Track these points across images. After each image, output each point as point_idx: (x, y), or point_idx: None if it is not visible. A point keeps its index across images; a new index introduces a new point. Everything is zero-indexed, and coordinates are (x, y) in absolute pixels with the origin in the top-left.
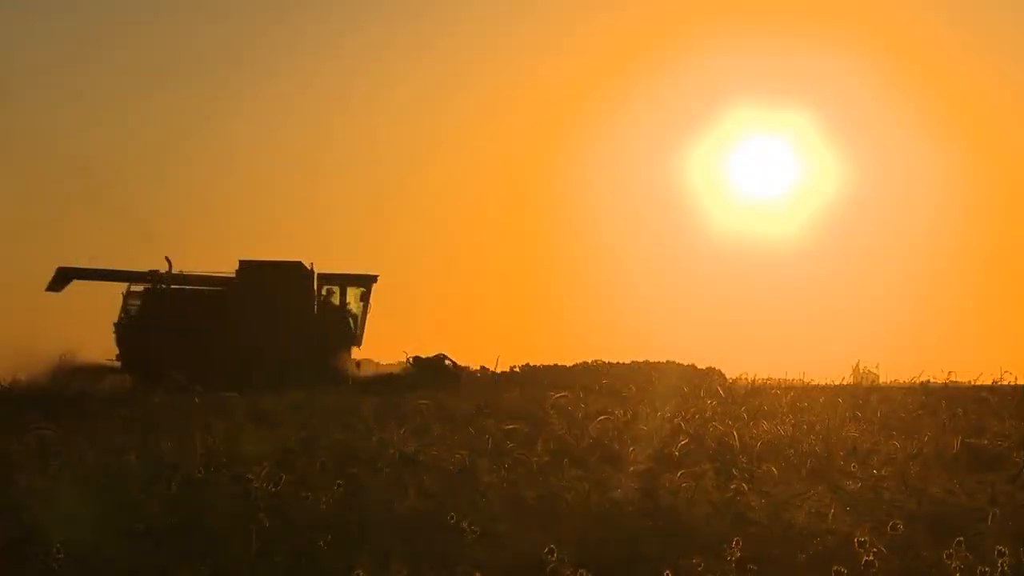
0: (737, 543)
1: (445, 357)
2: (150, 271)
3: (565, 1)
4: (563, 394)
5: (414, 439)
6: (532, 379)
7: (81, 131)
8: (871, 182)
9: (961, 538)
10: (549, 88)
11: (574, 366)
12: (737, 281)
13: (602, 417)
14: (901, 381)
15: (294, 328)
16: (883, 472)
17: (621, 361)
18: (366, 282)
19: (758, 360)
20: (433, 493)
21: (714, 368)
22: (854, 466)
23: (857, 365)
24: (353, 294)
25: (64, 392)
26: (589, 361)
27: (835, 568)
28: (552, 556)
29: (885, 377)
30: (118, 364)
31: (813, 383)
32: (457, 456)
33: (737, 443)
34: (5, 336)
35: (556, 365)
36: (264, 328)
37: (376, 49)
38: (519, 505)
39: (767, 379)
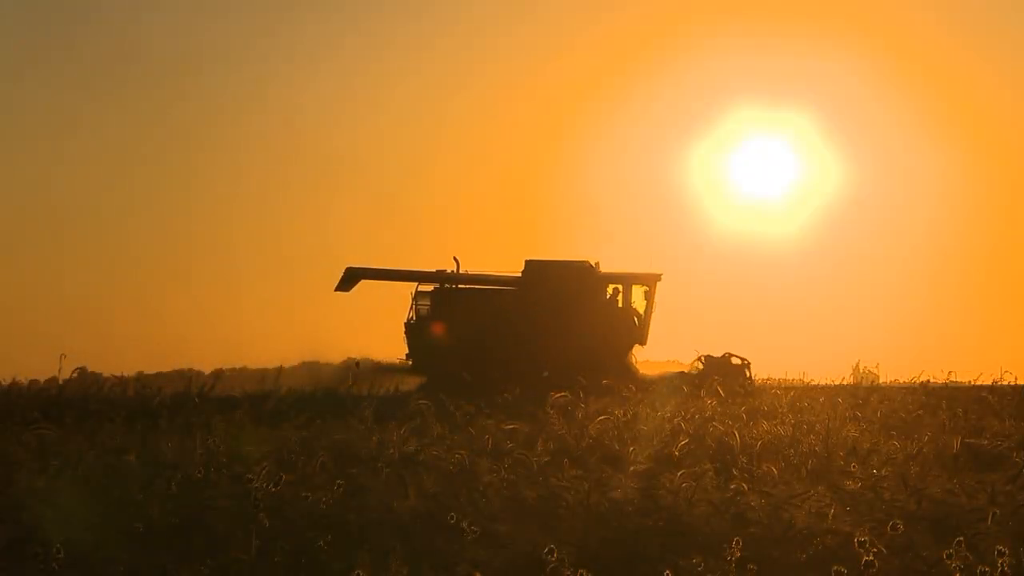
0: (737, 543)
1: (731, 355)
2: (438, 271)
3: (565, 1)
4: (563, 394)
5: (414, 439)
6: None
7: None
8: (871, 182)
9: (961, 538)
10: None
11: None
12: (737, 281)
13: (602, 417)
14: (901, 381)
15: (581, 327)
16: (883, 472)
17: None
18: (650, 280)
19: (758, 360)
20: (433, 493)
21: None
22: (854, 466)
23: (857, 365)
24: (637, 292)
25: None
26: None
27: (835, 568)
28: (552, 556)
29: (885, 377)
30: (408, 363)
31: (813, 383)
32: (457, 456)
33: (737, 443)
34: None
35: None
36: (551, 327)
37: None
38: (519, 505)
39: (767, 379)
